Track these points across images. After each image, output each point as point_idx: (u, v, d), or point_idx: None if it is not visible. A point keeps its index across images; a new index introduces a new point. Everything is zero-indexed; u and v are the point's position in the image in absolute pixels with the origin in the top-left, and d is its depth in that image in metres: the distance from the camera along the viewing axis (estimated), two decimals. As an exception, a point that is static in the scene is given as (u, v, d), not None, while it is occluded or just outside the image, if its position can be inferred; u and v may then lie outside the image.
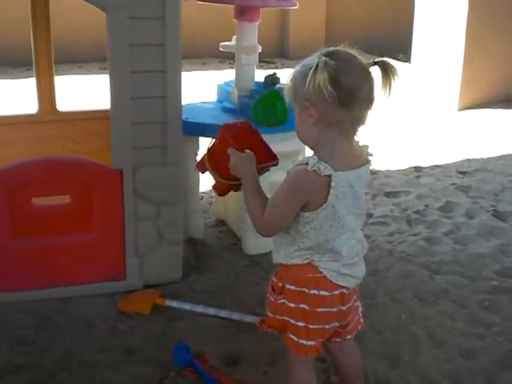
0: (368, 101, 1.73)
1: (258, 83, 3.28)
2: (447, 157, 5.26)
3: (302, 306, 1.84)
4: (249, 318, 2.65)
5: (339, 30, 9.22)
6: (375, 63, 1.74)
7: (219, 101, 3.48)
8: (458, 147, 5.56)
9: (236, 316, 2.67)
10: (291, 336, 1.89)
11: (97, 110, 3.50)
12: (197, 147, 3.28)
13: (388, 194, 4.33)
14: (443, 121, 6.61)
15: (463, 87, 7.00)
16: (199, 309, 2.73)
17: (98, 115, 3.42)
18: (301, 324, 1.86)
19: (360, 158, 1.84)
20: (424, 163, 5.06)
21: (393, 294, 2.96)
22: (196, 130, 3.09)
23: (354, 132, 1.81)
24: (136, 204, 2.78)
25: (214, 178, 2.07)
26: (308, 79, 1.67)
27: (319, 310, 1.84)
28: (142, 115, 2.68)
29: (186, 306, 2.74)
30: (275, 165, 2.08)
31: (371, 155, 1.89)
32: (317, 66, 1.66)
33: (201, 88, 6.13)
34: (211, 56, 9.55)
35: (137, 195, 2.77)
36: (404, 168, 4.93)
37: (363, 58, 1.74)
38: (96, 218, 2.78)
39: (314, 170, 1.71)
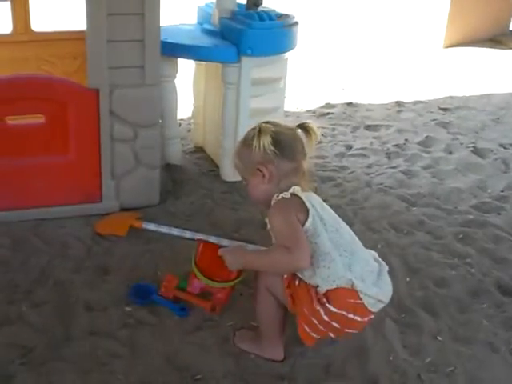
0: (303, 152, 1.97)
1: (239, 4, 3.21)
2: (430, 93, 5.24)
3: (334, 324, 1.88)
4: (225, 242, 2.65)
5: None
6: (298, 126, 1.99)
7: (199, 23, 3.41)
8: (441, 84, 5.55)
9: (213, 239, 2.66)
10: (305, 327, 1.92)
11: (73, 31, 3.40)
12: (175, 70, 3.22)
13: (368, 127, 4.32)
14: (428, 57, 6.57)
15: (450, 25, 6.94)
16: (176, 232, 2.73)
17: (74, 36, 3.33)
18: (322, 328, 1.90)
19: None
20: (406, 98, 5.04)
21: (369, 223, 2.98)
22: (175, 50, 3.03)
23: (301, 180, 1.97)
24: (112, 125, 2.74)
25: (212, 286, 2.10)
26: (254, 144, 1.91)
27: (347, 330, 1.92)
28: (119, 33, 2.60)
29: (163, 229, 2.74)
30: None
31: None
32: (259, 131, 1.91)
33: (180, 10, 6.00)
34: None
35: (113, 116, 2.72)
36: (386, 102, 4.91)
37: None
38: (71, 139, 2.74)
39: (283, 197, 1.91)
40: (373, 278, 1.90)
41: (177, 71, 3.23)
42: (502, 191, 3.45)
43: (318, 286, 1.88)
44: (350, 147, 3.92)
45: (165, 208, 2.98)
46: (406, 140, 4.11)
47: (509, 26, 8.02)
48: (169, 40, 2.99)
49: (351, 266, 1.86)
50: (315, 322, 1.89)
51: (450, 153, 3.96)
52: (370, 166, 3.67)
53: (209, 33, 3.23)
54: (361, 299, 1.86)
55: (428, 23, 6.98)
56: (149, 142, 2.84)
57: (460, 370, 2.08)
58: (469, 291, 2.51)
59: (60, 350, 2.06)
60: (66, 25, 4.27)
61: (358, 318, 1.88)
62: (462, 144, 4.10)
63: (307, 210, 1.87)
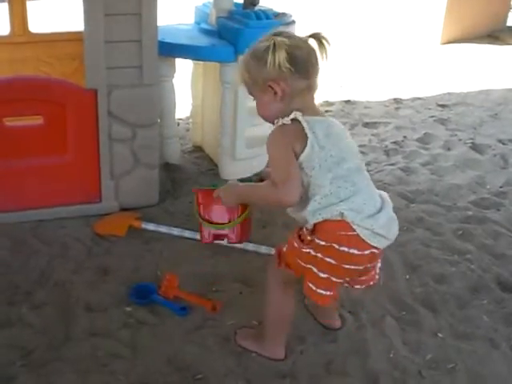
0: (317, 67, 1.87)
1: (236, 4, 3.21)
2: (428, 89, 5.24)
3: (328, 259, 1.81)
4: (224, 241, 2.66)
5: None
6: (310, 36, 1.88)
7: (197, 22, 3.41)
8: (439, 80, 5.55)
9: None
10: (310, 285, 1.87)
11: (71, 32, 3.40)
12: (173, 69, 3.23)
13: (367, 125, 4.32)
14: (425, 54, 6.56)
15: (447, 21, 6.93)
16: (175, 231, 2.73)
17: (72, 36, 3.32)
18: (323, 275, 1.84)
19: (322, 114, 1.93)
20: (404, 95, 5.04)
21: (368, 220, 2.97)
22: (172, 50, 3.03)
23: (313, 99, 1.91)
24: (111, 126, 2.74)
25: (223, 229, 2.07)
26: (268, 60, 1.79)
27: (346, 266, 1.82)
28: (116, 33, 2.61)
29: (163, 229, 2.74)
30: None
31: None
32: (274, 46, 1.79)
33: (178, 11, 6.00)
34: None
35: (112, 116, 2.72)
36: (384, 99, 4.92)
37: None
38: (70, 140, 2.74)
39: (283, 123, 1.83)
40: (370, 211, 1.81)
41: (175, 71, 3.23)
42: (501, 187, 3.45)
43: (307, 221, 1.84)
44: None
45: (164, 207, 2.98)
46: (405, 137, 4.11)
47: (506, 22, 8.01)
48: (166, 40, 2.99)
49: (350, 198, 1.79)
50: (314, 269, 1.84)
51: (449, 149, 3.96)
52: (368, 164, 3.67)
53: (206, 32, 3.23)
54: (354, 230, 1.78)
55: (425, 19, 6.98)
56: (147, 141, 2.84)
57: (461, 367, 2.09)
58: (469, 287, 2.51)
59: (60, 350, 2.06)
60: (63, 26, 4.27)
61: (355, 251, 1.80)
62: (460, 140, 4.10)
63: (307, 139, 1.79)
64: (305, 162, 1.79)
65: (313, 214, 1.81)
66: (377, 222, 1.80)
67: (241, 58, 1.97)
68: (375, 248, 1.83)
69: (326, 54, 1.86)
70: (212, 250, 2.63)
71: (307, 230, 1.84)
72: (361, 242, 1.79)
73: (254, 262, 2.49)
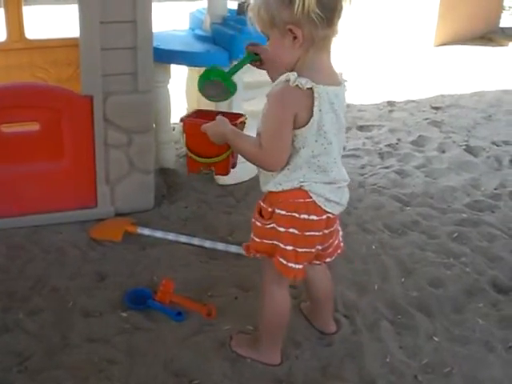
0: (341, 12, 1.73)
1: (230, 10, 3.23)
2: (421, 92, 5.26)
3: (291, 230, 1.84)
4: (220, 246, 2.67)
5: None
6: None
7: (191, 28, 3.42)
8: (432, 83, 5.57)
9: (208, 244, 2.68)
10: (280, 259, 1.89)
11: (66, 38, 3.42)
12: (168, 75, 3.24)
13: (361, 128, 4.33)
14: (419, 56, 6.58)
15: (440, 23, 6.96)
16: (171, 236, 2.74)
17: (67, 43, 3.35)
18: (289, 248, 1.86)
19: (336, 78, 1.83)
20: (398, 98, 5.06)
21: (363, 224, 2.99)
22: (167, 56, 3.04)
23: (331, 45, 1.80)
24: (106, 131, 2.75)
25: (208, 164, 2.03)
26: (297, 3, 1.62)
27: (307, 233, 1.85)
28: (112, 40, 2.62)
29: (158, 234, 2.75)
30: (244, 121, 2.09)
31: (346, 81, 1.88)
32: None
33: (173, 17, 6.01)
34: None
35: (107, 123, 2.73)
36: (378, 102, 4.93)
37: None
38: (66, 146, 2.74)
39: (297, 85, 1.70)
40: (327, 185, 1.83)
41: (170, 76, 3.25)
42: (496, 189, 3.47)
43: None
44: (343, 148, 3.94)
45: (159, 212, 2.99)
46: (399, 140, 4.13)
47: (499, 23, 8.04)
48: (161, 46, 3.01)
49: (316, 176, 1.81)
50: (280, 245, 1.86)
51: (443, 151, 3.97)
52: (363, 167, 3.69)
53: (201, 38, 3.24)
54: (310, 197, 1.81)
55: (418, 22, 7.00)
56: (143, 147, 2.85)
57: (457, 371, 2.09)
58: (464, 291, 2.52)
59: (57, 356, 2.06)
60: (58, 31, 4.29)
61: (314, 217, 1.83)
62: (454, 142, 4.11)
63: (312, 115, 1.72)
64: (299, 136, 1.76)
65: (274, 184, 1.84)
66: (330, 191, 1.84)
67: None
68: (330, 213, 1.87)
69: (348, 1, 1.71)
70: (207, 255, 2.65)
71: (265, 202, 1.88)
72: (318, 209, 1.83)
73: (250, 266, 2.49)
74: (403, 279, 2.58)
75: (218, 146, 1.94)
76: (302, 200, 1.82)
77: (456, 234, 2.95)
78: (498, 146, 4.10)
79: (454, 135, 4.25)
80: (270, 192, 1.87)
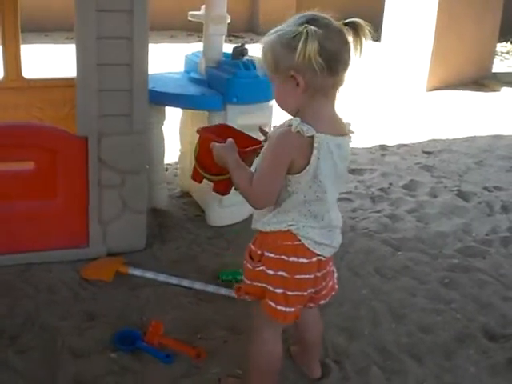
0: (348, 63, 1.76)
1: (225, 54, 3.27)
2: (413, 136, 5.31)
3: (280, 273, 1.83)
4: (210, 288, 2.67)
5: (309, 7, 9.11)
6: (345, 24, 1.75)
7: (186, 71, 3.46)
8: (424, 127, 5.62)
9: (198, 285, 2.68)
10: (270, 302, 1.88)
11: (63, 78, 3.47)
12: (163, 117, 3.27)
13: (353, 171, 4.35)
14: (411, 101, 6.66)
15: (432, 68, 7.05)
16: (162, 277, 2.73)
17: (64, 83, 3.39)
18: (279, 291, 1.85)
19: (341, 128, 1.84)
20: (390, 142, 5.11)
21: (354, 268, 2.99)
22: (162, 99, 3.08)
23: (336, 95, 1.81)
24: (100, 172, 2.77)
25: (211, 180, 2.06)
26: (298, 49, 1.65)
27: (297, 276, 1.84)
28: (108, 82, 2.65)
29: (149, 275, 2.75)
30: (260, 148, 2.04)
31: (352, 132, 1.90)
32: (306, 35, 1.65)
33: (168, 59, 6.08)
34: (180, 29, 9.52)
35: (101, 163, 2.75)
36: (370, 146, 4.97)
37: (336, 21, 1.75)
38: (60, 185, 2.76)
39: (298, 131, 1.72)
40: (317, 230, 1.83)
41: (164, 118, 3.28)
42: (487, 235, 3.48)
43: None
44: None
45: (151, 253, 2.99)
46: (391, 184, 4.15)
47: (491, 69, 8.14)
48: (157, 89, 3.05)
49: (306, 221, 1.81)
50: (269, 288, 1.86)
51: (435, 196, 4.00)
52: (354, 210, 3.70)
53: (195, 81, 3.28)
54: (299, 240, 1.81)
55: (410, 67, 7.10)
56: (136, 187, 2.86)
57: (445, 418, 2.09)
58: (455, 337, 2.52)
59: (45, 398, 2.05)
60: (51, 71, 4.34)
61: (304, 260, 1.83)
62: (446, 187, 4.14)
63: (309, 163, 1.73)
64: (292, 181, 1.78)
65: (262, 224, 1.85)
66: (320, 234, 1.83)
67: (266, 36, 1.78)
68: (321, 256, 1.86)
69: (360, 48, 1.76)
70: (197, 297, 2.64)
71: (255, 244, 1.89)
72: (307, 251, 1.83)
73: (240, 308, 2.49)
74: (394, 325, 2.57)
75: (222, 166, 1.95)
76: (289, 243, 1.82)
77: (447, 280, 2.95)
78: (489, 191, 4.12)
79: (445, 180, 4.28)
80: (260, 233, 1.88)
